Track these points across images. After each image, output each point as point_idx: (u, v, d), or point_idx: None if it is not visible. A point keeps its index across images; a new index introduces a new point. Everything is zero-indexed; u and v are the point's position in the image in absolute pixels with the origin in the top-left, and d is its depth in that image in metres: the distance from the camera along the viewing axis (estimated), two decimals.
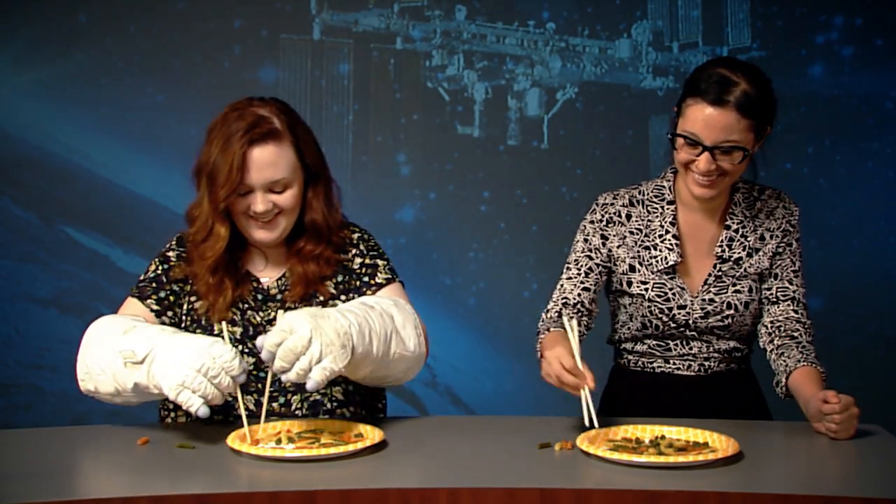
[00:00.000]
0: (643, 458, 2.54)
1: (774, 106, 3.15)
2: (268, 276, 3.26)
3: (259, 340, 2.72)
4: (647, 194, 3.37)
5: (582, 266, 3.35)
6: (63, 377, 4.63)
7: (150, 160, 4.73)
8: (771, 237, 3.31)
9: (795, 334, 3.21)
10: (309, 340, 2.69)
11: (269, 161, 3.06)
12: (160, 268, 3.21)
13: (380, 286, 3.27)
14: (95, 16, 4.73)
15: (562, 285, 3.37)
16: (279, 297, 3.22)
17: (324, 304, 3.20)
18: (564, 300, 3.33)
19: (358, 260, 3.31)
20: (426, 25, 4.85)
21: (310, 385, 2.68)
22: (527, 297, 4.84)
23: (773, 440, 2.88)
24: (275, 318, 3.13)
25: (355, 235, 3.34)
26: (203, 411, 2.66)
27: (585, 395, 2.80)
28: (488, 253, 4.85)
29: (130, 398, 2.87)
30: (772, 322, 3.28)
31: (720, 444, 2.68)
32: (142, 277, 3.22)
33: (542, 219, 4.81)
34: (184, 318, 3.18)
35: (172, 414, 3.18)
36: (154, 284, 3.18)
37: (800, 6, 4.79)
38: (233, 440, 2.70)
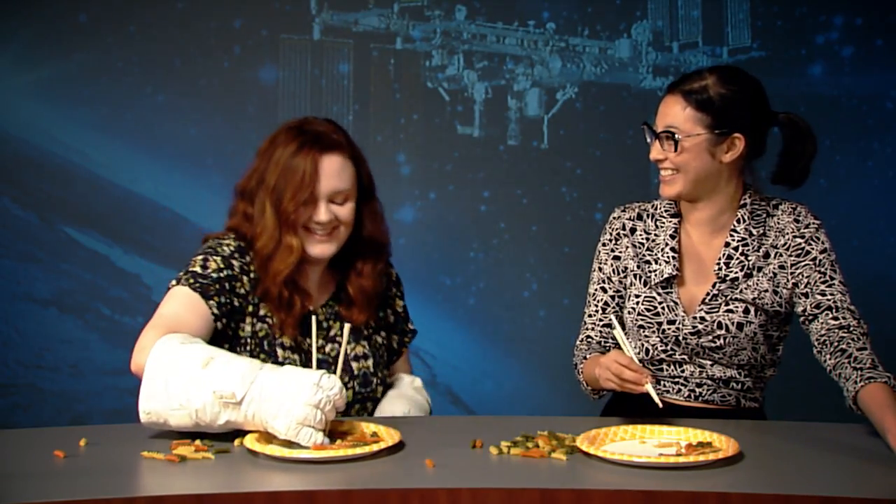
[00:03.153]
0: (643, 459, 2.54)
1: (748, 112, 3.15)
2: (314, 299, 3.28)
3: None
4: (659, 209, 3.36)
5: (599, 301, 3.36)
6: (63, 377, 4.62)
7: (150, 160, 4.74)
8: (776, 255, 3.23)
9: (843, 345, 3.03)
10: None
11: (336, 170, 3.13)
12: (224, 272, 3.11)
13: (412, 335, 3.50)
14: (95, 15, 4.74)
15: (584, 322, 3.38)
16: (325, 325, 3.26)
17: (367, 340, 3.31)
18: (588, 338, 3.35)
19: (400, 303, 3.46)
20: (426, 25, 4.86)
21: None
22: (527, 297, 4.85)
23: (773, 440, 2.86)
24: (321, 346, 3.22)
25: (393, 272, 3.46)
26: (328, 441, 2.69)
27: (648, 388, 2.86)
28: (488, 253, 4.86)
29: (212, 430, 2.82)
30: (818, 340, 3.11)
31: (720, 444, 2.67)
32: (197, 270, 3.10)
33: (542, 219, 4.82)
34: (249, 340, 3.15)
35: None
36: (217, 286, 3.08)
37: (800, 6, 4.81)
38: (251, 441, 2.68)
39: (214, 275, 3.07)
